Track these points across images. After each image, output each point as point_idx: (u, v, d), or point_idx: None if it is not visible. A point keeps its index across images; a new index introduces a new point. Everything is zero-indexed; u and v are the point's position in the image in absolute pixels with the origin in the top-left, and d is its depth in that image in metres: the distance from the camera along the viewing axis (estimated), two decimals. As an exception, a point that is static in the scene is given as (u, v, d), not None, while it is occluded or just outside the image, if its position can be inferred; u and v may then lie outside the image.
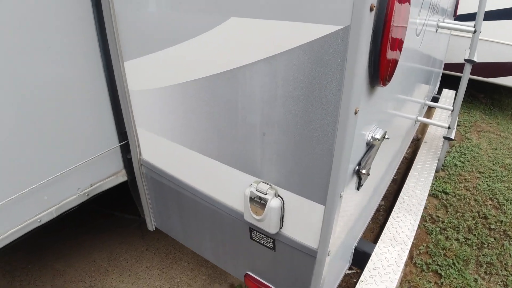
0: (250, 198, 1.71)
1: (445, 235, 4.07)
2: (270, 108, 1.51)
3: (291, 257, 1.82)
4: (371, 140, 1.70)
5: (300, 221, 1.68)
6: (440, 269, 3.64)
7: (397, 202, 3.01)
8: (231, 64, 1.54)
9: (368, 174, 1.92)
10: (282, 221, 1.74)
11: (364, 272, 2.38)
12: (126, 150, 2.45)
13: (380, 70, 1.34)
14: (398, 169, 4.47)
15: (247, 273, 2.13)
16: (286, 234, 1.77)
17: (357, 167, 1.64)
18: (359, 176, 1.74)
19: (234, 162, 1.78)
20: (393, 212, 2.91)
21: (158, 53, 1.85)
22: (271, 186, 1.68)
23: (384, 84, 1.45)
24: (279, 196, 1.68)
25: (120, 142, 2.42)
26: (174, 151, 2.08)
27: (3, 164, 1.97)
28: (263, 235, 1.87)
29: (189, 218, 2.28)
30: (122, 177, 2.51)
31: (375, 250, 2.54)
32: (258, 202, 1.69)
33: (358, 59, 1.19)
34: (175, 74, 1.83)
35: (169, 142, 2.08)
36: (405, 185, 3.22)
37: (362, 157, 1.68)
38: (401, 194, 3.10)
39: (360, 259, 2.47)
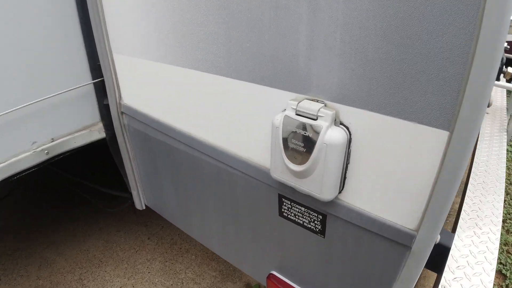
0: (284, 131, 0.82)
1: (505, 228, 3.11)
2: None
3: (356, 248, 0.91)
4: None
5: (385, 173, 0.78)
6: (504, 268, 2.71)
7: (471, 179, 2.08)
8: None
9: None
10: (344, 178, 0.84)
11: (444, 274, 1.45)
12: (102, 95, 1.59)
13: None
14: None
15: (271, 274, 1.21)
16: (349, 204, 0.86)
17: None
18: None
19: (254, 70, 0.88)
20: (468, 191, 1.98)
21: None
22: (325, 105, 0.79)
23: None
24: (341, 124, 0.78)
25: (93, 79, 1.56)
26: (166, 79, 1.20)
27: None
28: (304, 208, 0.96)
29: (187, 188, 1.38)
30: (98, 133, 1.63)
31: (454, 242, 1.61)
32: (300, 138, 0.79)
33: None
34: None
35: (159, 65, 1.20)
36: (475, 159, 2.30)
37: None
38: (473, 169, 2.18)
39: (434, 255, 1.52)
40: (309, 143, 0.77)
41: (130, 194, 2.10)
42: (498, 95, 3.24)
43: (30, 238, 3.12)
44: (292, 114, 0.79)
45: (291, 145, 0.80)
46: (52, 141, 1.52)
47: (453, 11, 0.57)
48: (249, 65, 0.88)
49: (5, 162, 1.43)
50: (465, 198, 1.91)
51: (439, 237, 0.81)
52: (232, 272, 2.61)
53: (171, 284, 2.57)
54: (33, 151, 1.49)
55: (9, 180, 1.48)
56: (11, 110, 1.36)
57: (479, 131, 0.71)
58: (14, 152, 1.45)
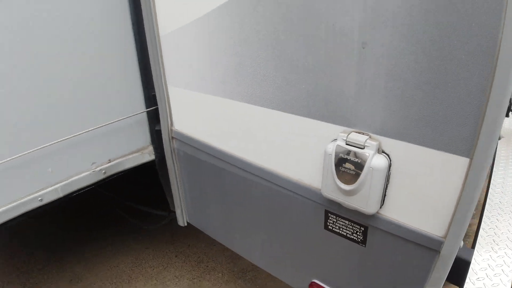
0: (336, 157, 1.05)
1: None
2: (381, -4, 0.87)
3: (393, 255, 1.12)
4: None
5: (418, 192, 1.00)
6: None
7: (488, 200, 2.29)
8: None
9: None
10: (384, 196, 1.06)
11: (466, 285, 1.66)
12: (154, 121, 1.85)
13: None
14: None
15: (313, 282, 1.42)
16: (388, 217, 1.08)
17: None
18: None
19: (308, 107, 1.12)
20: (485, 211, 2.19)
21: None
22: (370, 137, 1.02)
23: None
24: (383, 152, 1.01)
25: (147, 108, 1.81)
26: (218, 110, 1.44)
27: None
28: (347, 222, 1.18)
29: (235, 206, 1.61)
30: (148, 155, 1.88)
31: (474, 257, 1.81)
32: (350, 162, 1.02)
33: None
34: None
35: (212, 97, 1.45)
36: (492, 181, 2.50)
37: None
38: (490, 190, 2.39)
39: (456, 269, 1.73)
40: (357, 167, 1.00)
41: (168, 212, 2.34)
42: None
43: (60, 254, 3.35)
44: (342, 143, 1.02)
45: (341, 169, 1.03)
46: (109, 162, 1.77)
47: (467, 66, 0.81)
48: (303, 102, 1.12)
49: (68, 179, 1.67)
50: (483, 218, 2.12)
51: (462, 242, 1.02)
52: (258, 288, 2.79)
53: (197, 300, 2.75)
54: (92, 170, 1.73)
55: (69, 196, 1.72)
56: (76, 134, 1.62)
57: (493, 156, 0.93)
58: (76, 171, 1.69)
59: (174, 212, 2.17)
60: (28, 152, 1.49)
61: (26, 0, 1.34)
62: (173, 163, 1.81)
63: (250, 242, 1.63)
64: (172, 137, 1.76)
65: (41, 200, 1.61)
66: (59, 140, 1.57)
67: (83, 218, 3.78)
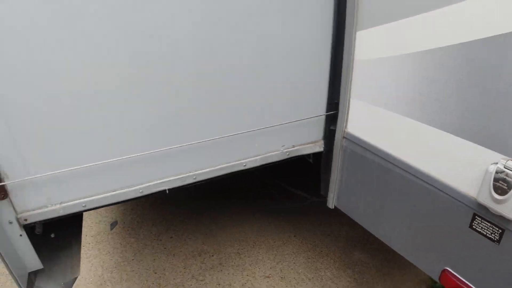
0: (495, 175, 1.55)
1: None
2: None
3: (521, 255, 1.60)
4: None
5: None
6: None
7: None
8: (505, 27, 1.43)
9: None
10: (525, 209, 1.54)
11: None
12: (329, 121, 2.48)
13: None
14: None
15: (445, 269, 1.93)
16: (524, 225, 1.56)
17: None
18: None
19: (478, 137, 1.64)
20: None
21: (403, 21, 1.83)
22: None
23: None
24: None
25: (326, 112, 2.45)
26: (394, 123, 2.01)
27: (232, 106, 2.13)
28: (489, 224, 1.67)
29: (389, 199, 2.17)
30: (319, 147, 2.53)
31: None
32: (504, 180, 1.52)
33: None
34: (419, 41, 1.78)
35: (390, 113, 2.02)
36: None
37: None
38: None
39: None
40: (509, 185, 1.50)
41: (310, 195, 2.97)
42: None
43: (200, 213, 4.17)
44: (501, 166, 1.53)
45: (497, 184, 1.54)
46: (293, 147, 2.44)
47: None
48: (475, 131, 1.64)
49: (265, 154, 2.37)
50: None
51: None
52: (365, 282, 3.30)
53: (312, 277, 3.35)
54: (281, 151, 2.42)
55: (262, 166, 2.41)
56: (277, 124, 2.30)
57: None
58: (271, 149, 2.39)
59: (317, 196, 2.79)
60: (252, 130, 2.22)
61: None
62: (338, 157, 2.43)
63: (393, 230, 2.19)
64: (344, 137, 2.37)
65: (244, 165, 2.33)
66: (267, 126, 2.28)
67: (221, 190, 4.58)
